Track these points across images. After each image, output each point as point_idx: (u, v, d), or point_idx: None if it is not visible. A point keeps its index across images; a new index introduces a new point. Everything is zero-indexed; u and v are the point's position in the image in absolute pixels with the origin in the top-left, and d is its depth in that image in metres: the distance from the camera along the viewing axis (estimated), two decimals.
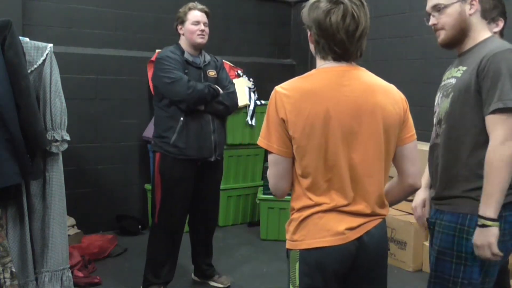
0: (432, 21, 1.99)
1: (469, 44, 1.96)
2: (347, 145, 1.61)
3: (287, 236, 1.70)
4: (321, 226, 1.62)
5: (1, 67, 2.55)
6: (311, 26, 1.65)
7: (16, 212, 2.79)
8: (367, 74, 1.69)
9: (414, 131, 1.74)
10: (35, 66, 2.79)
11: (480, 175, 1.82)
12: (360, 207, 1.64)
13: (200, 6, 3.28)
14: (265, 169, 4.71)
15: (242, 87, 4.92)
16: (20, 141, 2.61)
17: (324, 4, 1.60)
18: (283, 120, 1.60)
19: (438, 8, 1.96)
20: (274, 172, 1.67)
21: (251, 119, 4.94)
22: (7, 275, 2.64)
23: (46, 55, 2.80)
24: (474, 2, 1.92)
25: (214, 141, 3.24)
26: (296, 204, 1.68)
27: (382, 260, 1.74)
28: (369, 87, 1.65)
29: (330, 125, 1.59)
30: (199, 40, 3.23)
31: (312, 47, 1.71)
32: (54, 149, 2.85)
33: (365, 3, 1.63)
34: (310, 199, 1.64)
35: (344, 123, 1.60)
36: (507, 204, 1.82)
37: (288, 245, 1.69)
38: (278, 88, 1.65)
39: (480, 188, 1.81)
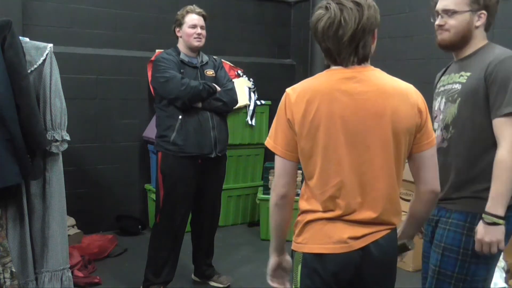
0: (439, 21, 2.02)
1: (468, 50, 2.02)
2: (354, 148, 1.57)
3: (293, 236, 1.71)
4: (324, 232, 1.61)
5: (1, 67, 2.55)
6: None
7: (16, 212, 2.79)
8: (381, 76, 1.63)
9: (433, 136, 1.67)
10: (35, 66, 2.79)
11: (489, 176, 1.86)
12: (367, 214, 1.59)
13: (197, 10, 3.32)
14: (265, 169, 4.70)
15: (242, 87, 4.91)
16: (20, 141, 2.61)
17: (317, 12, 1.60)
18: (290, 121, 1.60)
19: (449, 12, 1.99)
20: (277, 173, 1.67)
21: (251, 119, 4.94)
22: (7, 275, 2.64)
23: (46, 55, 2.80)
24: (482, 15, 1.97)
25: (214, 138, 3.26)
26: (303, 206, 1.68)
27: (390, 273, 1.70)
28: (380, 89, 1.59)
29: (336, 128, 1.56)
30: (196, 43, 3.28)
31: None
32: (54, 149, 2.85)
33: (362, 4, 1.56)
34: (316, 203, 1.62)
35: (350, 126, 1.56)
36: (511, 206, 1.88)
37: (293, 246, 1.69)
38: (288, 89, 1.65)
39: (490, 189, 1.86)
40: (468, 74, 1.97)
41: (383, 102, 1.58)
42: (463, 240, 1.93)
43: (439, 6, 2.02)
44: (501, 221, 1.83)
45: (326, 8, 1.57)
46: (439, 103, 2.09)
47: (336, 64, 1.63)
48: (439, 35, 2.03)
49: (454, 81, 2.04)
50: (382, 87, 1.60)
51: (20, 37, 2.73)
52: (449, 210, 1.98)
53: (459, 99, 1.97)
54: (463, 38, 1.99)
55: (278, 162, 1.65)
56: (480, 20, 1.97)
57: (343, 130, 1.56)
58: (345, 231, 1.59)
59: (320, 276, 1.61)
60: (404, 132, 1.59)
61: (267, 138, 1.68)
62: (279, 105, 1.65)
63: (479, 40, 2.01)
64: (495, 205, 1.83)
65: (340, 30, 1.55)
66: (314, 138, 1.57)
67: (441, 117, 2.05)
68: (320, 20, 1.57)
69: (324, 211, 1.61)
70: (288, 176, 1.66)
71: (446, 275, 1.96)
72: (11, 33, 2.59)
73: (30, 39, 2.87)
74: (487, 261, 1.92)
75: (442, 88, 2.10)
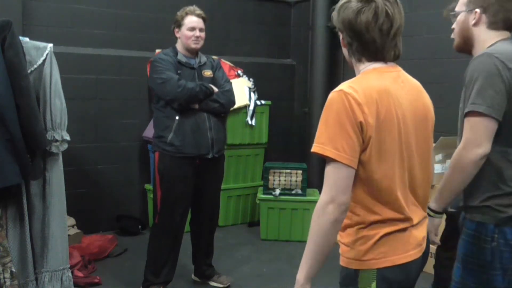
0: (453, 25, 2.05)
1: (477, 52, 1.96)
2: (417, 150, 1.57)
3: (350, 255, 1.55)
4: (406, 240, 1.54)
5: (1, 67, 2.55)
6: (341, 29, 1.57)
7: (16, 212, 2.79)
8: (409, 75, 1.65)
9: None
10: (35, 66, 2.79)
11: (496, 184, 1.83)
12: (422, 213, 1.63)
13: (197, 12, 3.31)
14: (265, 169, 4.70)
15: (242, 87, 4.91)
16: (20, 141, 2.61)
17: (354, 4, 1.52)
18: (361, 124, 1.43)
19: (453, 14, 2.01)
20: (340, 185, 1.45)
21: (251, 119, 4.94)
22: (7, 275, 2.64)
23: (46, 55, 2.80)
24: (475, 13, 1.94)
25: (211, 138, 3.26)
26: (368, 218, 1.52)
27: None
28: (418, 88, 1.61)
29: (401, 129, 1.51)
30: (193, 45, 3.29)
31: (344, 51, 1.63)
32: (54, 149, 2.85)
33: (398, 0, 1.55)
34: (388, 210, 1.51)
35: (411, 127, 1.54)
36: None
37: (356, 265, 1.53)
38: (346, 89, 1.46)
39: (497, 196, 1.83)
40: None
41: (423, 101, 1.61)
42: (474, 250, 1.88)
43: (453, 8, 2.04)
44: (432, 213, 1.92)
45: (366, 1, 1.50)
46: None
47: (376, 59, 1.56)
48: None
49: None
50: (418, 87, 1.63)
51: (20, 37, 2.73)
52: (465, 219, 1.94)
53: (460, 104, 1.95)
54: (464, 39, 1.99)
55: (341, 171, 1.44)
56: (475, 18, 1.93)
57: (407, 130, 1.53)
58: (418, 234, 1.59)
59: (403, 287, 1.56)
60: (433, 129, 1.65)
61: (318, 144, 1.46)
62: (337, 108, 1.44)
63: (485, 39, 1.94)
64: (433, 199, 1.91)
65: (387, 23, 1.50)
66: (385, 141, 1.48)
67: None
68: (361, 12, 1.50)
69: (401, 219, 1.53)
70: (351, 187, 1.46)
71: (464, 285, 1.92)
72: (11, 33, 2.59)
73: (30, 39, 2.88)
74: (505, 271, 1.84)
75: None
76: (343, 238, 1.57)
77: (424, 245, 1.62)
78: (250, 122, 4.93)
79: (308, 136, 5.22)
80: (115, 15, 4.68)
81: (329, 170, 1.46)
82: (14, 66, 2.60)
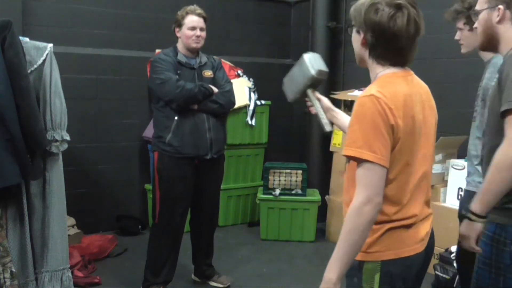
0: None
1: (504, 50, 1.89)
2: (426, 149, 1.63)
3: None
4: (411, 235, 1.60)
5: (1, 67, 2.55)
6: (366, 29, 1.57)
7: (16, 212, 2.79)
8: (417, 77, 1.70)
9: None
10: (35, 66, 2.79)
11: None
12: (429, 210, 1.70)
13: (198, 11, 3.30)
14: (265, 169, 4.70)
15: (242, 87, 4.91)
16: (20, 141, 2.61)
17: (387, 9, 1.53)
18: (393, 127, 1.50)
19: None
20: (376, 185, 1.49)
21: (251, 119, 4.94)
22: (7, 275, 2.64)
23: (46, 55, 2.80)
24: (499, 9, 1.86)
25: (210, 139, 3.26)
26: (379, 217, 1.56)
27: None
28: (427, 90, 1.67)
29: (419, 130, 1.58)
30: (194, 45, 3.28)
31: (361, 49, 1.64)
32: (54, 149, 2.86)
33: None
34: (402, 209, 1.58)
35: (422, 127, 1.60)
36: None
37: (361, 256, 1.58)
38: (377, 94, 1.50)
39: None
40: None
41: (430, 103, 1.67)
42: (493, 252, 1.83)
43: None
44: (474, 218, 1.80)
45: (398, 7, 1.53)
46: None
47: (396, 64, 1.60)
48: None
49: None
50: (427, 89, 1.68)
51: (20, 37, 2.73)
52: (488, 221, 1.88)
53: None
54: (488, 37, 1.91)
55: (378, 173, 1.49)
56: (498, 15, 1.85)
57: (424, 133, 1.61)
58: (423, 229, 1.64)
59: (404, 280, 1.60)
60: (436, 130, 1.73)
61: (354, 148, 1.49)
62: (371, 112, 1.49)
63: (510, 37, 1.87)
64: (475, 201, 1.80)
65: (415, 30, 1.56)
66: (414, 144, 1.56)
67: None
68: (395, 17, 1.53)
69: (413, 216, 1.60)
70: (383, 185, 1.52)
71: None
72: (11, 33, 2.59)
73: (30, 39, 2.88)
74: None
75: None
76: None
77: (426, 240, 1.66)
78: (250, 122, 4.93)
79: (308, 136, 5.22)
80: (115, 15, 4.68)
81: (365, 172, 1.49)
82: (14, 66, 2.60)
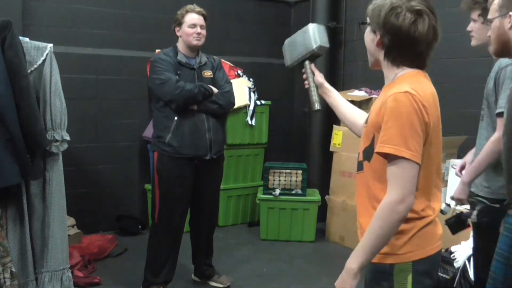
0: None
1: None
2: (439, 149, 1.65)
3: (385, 250, 1.56)
4: (434, 231, 1.62)
5: (1, 67, 2.55)
6: (384, 32, 1.58)
7: (16, 212, 2.79)
8: None
9: None
10: (35, 66, 2.79)
11: None
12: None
13: (197, 9, 3.32)
14: (265, 169, 4.70)
15: (242, 87, 4.91)
16: (20, 141, 2.61)
17: (408, 14, 1.54)
18: (427, 124, 1.52)
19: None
20: (411, 182, 1.49)
21: (251, 119, 4.94)
22: (7, 275, 2.64)
23: (46, 55, 2.80)
24: (511, 17, 1.89)
25: (209, 140, 3.26)
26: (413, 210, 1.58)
27: None
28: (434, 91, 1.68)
29: (440, 132, 1.63)
30: (195, 42, 3.28)
31: (376, 49, 1.64)
32: (54, 149, 2.85)
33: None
34: (427, 207, 1.60)
35: (439, 128, 1.64)
36: None
37: (392, 259, 1.57)
38: (411, 91, 1.50)
39: None
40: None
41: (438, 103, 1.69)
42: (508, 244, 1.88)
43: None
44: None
45: (419, 13, 1.54)
46: None
47: (414, 66, 1.62)
48: None
49: None
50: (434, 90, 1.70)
51: (20, 37, 2.73)
52: (508, 214, 1.93)
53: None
54: (502, 44, 1.94)
55: (413, 170, 1.49)
56: (510, 22, 1.88)
57: (439, 132, 1.64)
58: (439, 226, 1.66)
59: (431, 277, 1.62)
60: None
61: (391, 146, 1.48)
62: (407, 109, 1.48)
63: None
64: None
65: (435, 35, 1.58)
66: (436, 140, 1.59)
67: None
68: (416, 23, 1.54)
69: (433, 213, 1.62)
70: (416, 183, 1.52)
71: (496, 280, 1.92)
72: (11, 33, 2.59)
73: (30, 39, 2.87)
74: None
75: None
76: None
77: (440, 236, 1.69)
78: (250, 122, 4.93)
79: (308, 136, 5.22)
80: (115, 15, 4.68)
81: (400, 170, 1.49)
82: (14, 66, 2.60)
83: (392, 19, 1.55)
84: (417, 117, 1.48)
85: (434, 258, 1.62)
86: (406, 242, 1.56)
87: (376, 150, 1.53)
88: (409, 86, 1.52)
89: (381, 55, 1.63)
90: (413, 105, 1.48)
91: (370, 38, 1.64)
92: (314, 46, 1.94)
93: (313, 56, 1.99)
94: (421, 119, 1.49)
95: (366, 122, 1.68)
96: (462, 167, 2.54)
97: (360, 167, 1.67)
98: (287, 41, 2.11)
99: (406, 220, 1.53)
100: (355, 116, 1.93)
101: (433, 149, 1.59)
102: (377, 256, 1.57)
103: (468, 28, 2.54)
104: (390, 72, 1.63)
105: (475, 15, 2.50)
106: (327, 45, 1.97)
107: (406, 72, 1.60)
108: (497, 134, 2.16)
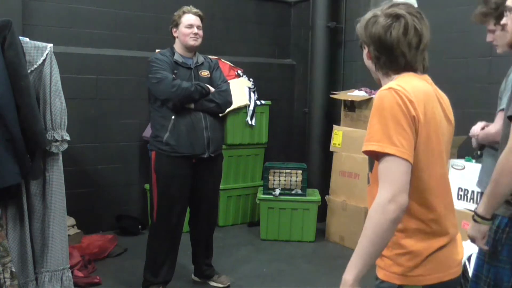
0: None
1: None
2: (446, 154, 1.56)
3: (395, 269, 1.50)
4: (450, 256, 1.53)
5: (1, 67, 2.55)
6: (368, 43, 1.56)
7: (16, 212, 2.79)
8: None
9: None
10: (35, 66, 2.79)
11: None
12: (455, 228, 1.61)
13: (194, 10, 3.35)
14: (265, 169, 4.71)
15: (242, 87, 4.92)
16: (20, 141, 2.61)
17: (383, 20, 1.52)
18: (415, 119, 1.42)
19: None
20: (400, 181, 1.39)
21: (251, 119, 4.94)
22: (7, 275, 2.63)
23: (46, 55, 2.80)
24: None
25: (207, 138, 3.27)
26: (410, 224, 1.49)
27: None
28: (445, 96, 1.63)
29: (444, 135, 1.54)
30: (192, 42, 3.29)
31: (368, 63, 1.62)
32: (54, 149, 2.85)
33: (424, 15, 1.56)
34: (434, 223, 1.50)
35: (443, 129, 1.55)
36: None
37: (401, 280, 1.49)
38: (396, 87, 1.44)
39: None
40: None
41: (450, 110, 1.62)
42: (491, 243, 1.89)
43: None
44: (479, 220, 1.83)
45: (396, 17, 1.51)
46: None
47: (405, 71, 1.56)
48: None
49: None
50: (445, 96, 1.63)
51: (20, 37, 2.73)
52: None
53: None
54: None
55: (401, 166, 1.39)
56: None
57: (444, 136, 1.55)
58: (460, 252, 1.57)
59: None
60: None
61: (374, 143, 1.41)
62: (390, 104, 1.42)
63: None
64: (480, 204, 1.83)
65: (416, 38, 1.51)
66: (429, 144, 1.47)
67: None
68: (391, 27, 1.50)
69: (447, 234, 1.52)
70: (409, 184, 1.41)
71: (478, 277, 1.96)
72: (11, 33, 2.59)
73: (30, 39, 2.87)
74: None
75: None
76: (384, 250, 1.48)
77: (462, 262, 1.59)
78: (250, 122, 4.94)
79: (308, 136, 5.23)
80: (115, 15, 4.68)
81: (387, 167, 1.40)
82: (14, 66, 2.60)
83: (370, 27, 1.54)
84: (401, 112, 1.41)
85: (450, 285, 1.52)
86: (418, 264, 1.48)
87: (362, 149, 1.46)
88: (397, 83, 1.47)
89: (373, 68, 1.61)
90: (397, 99, 1.41)
91: (364, 54, 1.62)
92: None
93: None
94: (406, 114, 1.41)
95: None
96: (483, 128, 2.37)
97: (368, 180, 1.61)
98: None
99: (411, 234, 1.47)
100: None
101: (431, 151, 1.49)
102: (387, 274, 1.51)
103: (488, 39, 2.45)
104: (385, 84, 1.58)
105: (491, 26, 2.39)
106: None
107: (397, 76, 1.56)
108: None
